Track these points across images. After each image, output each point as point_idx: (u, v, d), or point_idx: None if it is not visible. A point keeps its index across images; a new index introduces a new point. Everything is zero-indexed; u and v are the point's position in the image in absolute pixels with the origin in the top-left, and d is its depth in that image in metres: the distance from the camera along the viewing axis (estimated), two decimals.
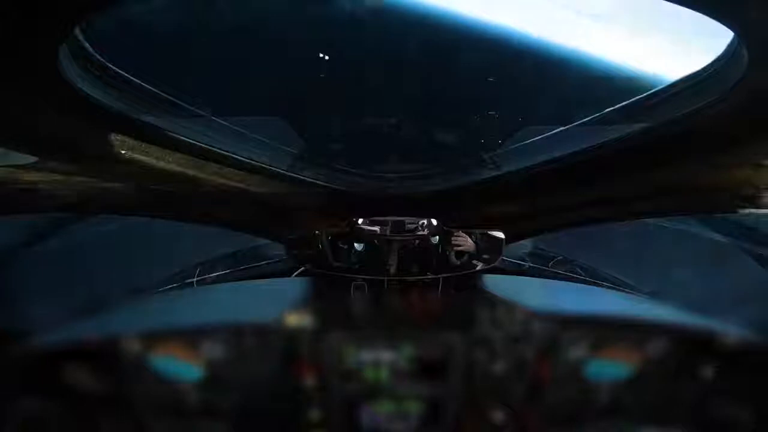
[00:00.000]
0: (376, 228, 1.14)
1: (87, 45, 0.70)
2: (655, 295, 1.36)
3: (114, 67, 0.76)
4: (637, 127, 0.81)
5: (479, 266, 1.18)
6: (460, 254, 1.18)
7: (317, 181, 1.06)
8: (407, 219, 1.14)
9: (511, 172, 1.01)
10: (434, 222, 1.14)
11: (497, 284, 1.31)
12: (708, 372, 1.10)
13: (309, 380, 1.11)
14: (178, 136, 0.86)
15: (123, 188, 1.03)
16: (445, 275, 1.20)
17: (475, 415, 1.16)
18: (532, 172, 0.97)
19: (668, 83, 0.79)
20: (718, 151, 0.82)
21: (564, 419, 1.16)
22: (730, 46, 0.68)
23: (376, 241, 1.16)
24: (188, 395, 1.10)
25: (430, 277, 1.22)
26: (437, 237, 1.15)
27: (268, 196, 1.08)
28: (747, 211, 1.09)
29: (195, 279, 1.50)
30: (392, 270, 1.18)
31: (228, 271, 1.55)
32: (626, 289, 1.47)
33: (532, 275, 1.50)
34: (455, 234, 1.16)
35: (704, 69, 0.73)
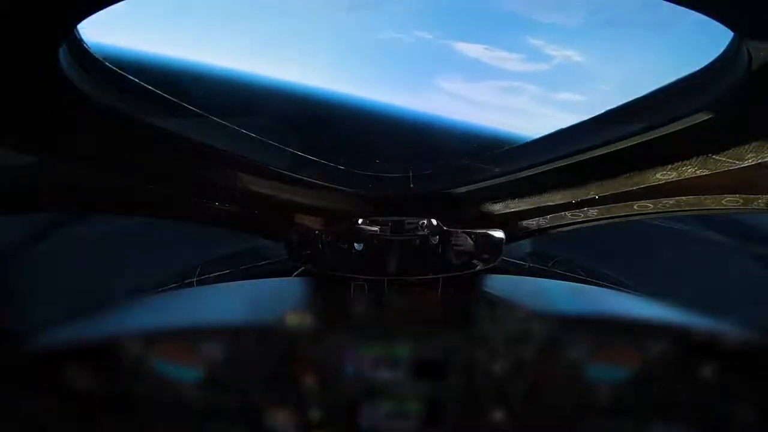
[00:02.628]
0: (376, 228, 1.14)
1: (87, 45, 0.70)
2: (655, 295, 1.36)
3: (114, 67, 0.76)
4: (637, 127, 0.81)
5: (479, 266, 1.18)
6: (460, 254, 1.18)
7: (318, 182, 1.06)
8: (407, 219, 1.14)
9: (511, 172, 1.01)
10: (434, 222, 1.14)
11: (497, 284, 1.31)
12: (708, 372, 1.10)
13: (309, 380, 1.11)
14: (178, 136, 0.86)
15: (123, 188, 1.03)
16: (445, 275, 1.20)
17: (475, 415, 1.16)
18: (532, 172, 0.98)
19: (668, 83, 0.79)
20: (718, 151, 0.82)
21: (564, 419, 1.16)
22: (730, 46, 0.68)
23: (376, 241, 1.15)
24: (188, 395, 1.10)
25: (430, 277, 1.22)
26: (437, 237, 1.15)
27: (268, 195, 1.07)
28: (747, 211, 1.09)
29: (195, 279, 1.50)
30: (392, 270, 1.18)
31: (228, 271, 1.55)
32: (626, 289, 1.47)
33: (532, 275, 1.50)
34: (455, 234, 1.16)
35: (704, 69, 0.73)
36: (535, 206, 1.13)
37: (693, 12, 0.57)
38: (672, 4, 0.57)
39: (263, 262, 1.58)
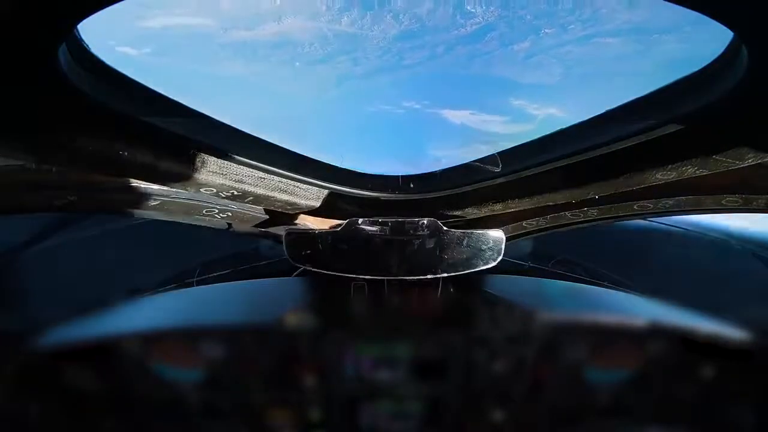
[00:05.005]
0: (376, 228, 1.15)
1: (87, 45, 0.70)
2: (655, 295, 1.36)
3: (114, 67, 0.76)
4: (637, 127, 0.81)
5: (479, 266, 1.18)
6: (460, 254, 1.18)
7: (318, 182, 1.06)
8: (407, 219, 1.14)
9: (511, 172, 1.01)
10: (434, 222, 1.14)
11: (497, 284, 1.31)
12: (708, 372, 1.10)
13: (309, 380, 1.11)
14: (178, 136, 0.86)
15: (123, 188, 1.03)
16: (445, 275, 1.20)
17: (475, 415, 1.16)
18: (532, 172, 0.98)
19: (668, 83, 0.79)
20: (718, 151, 0.82)
21: (564, 419, 1.16)
22: (730, 46, 0.68)
23: (376, 241, 1.16)
24: (188, 395, 1.10)
25: (430, 277, 1.22)
26: (437, 237, 1.16)
27: (268, 195, 1.08)
28: (747, 210, 1.09)
29: (195, 279, 1.50)
30: (392, 270, 1.18)
31: (228, 271, 1.55)
32: (626, 289, 1.47)
33: (532, 275, 1.50)
34: (455, 234, 1.16)
35: (704, 69, 0.73)
36: (535, 206, 1.13)
37: (693, 12, 0.57)
38: (671, 4, 0.57)
39: (263, 262, 1.58)
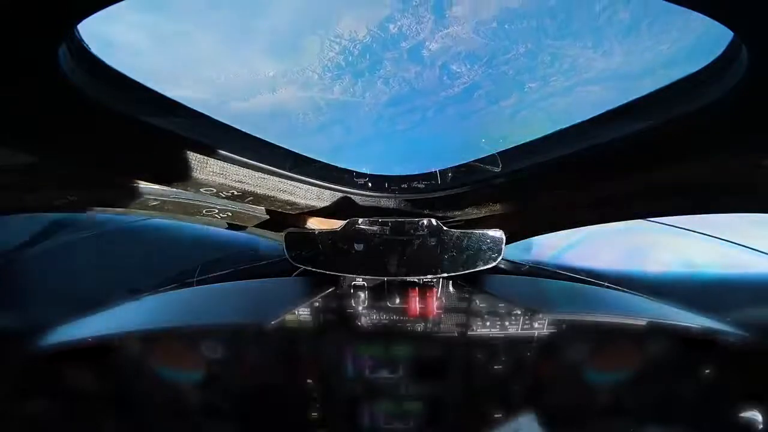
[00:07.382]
0: (376, 228, 1.15)
1: (87, 45, 0.70)
2: (655, 295, 1.36)
3: (114, 67, 0.76)
4: (637, 127, 0.81)
5: (479, 266, 1.19)
6: (459, 254, 1.18)
7: (318, 182, 1.06)
8: (407, 219, 1.14)
9: (511, 172, 1.01)
10: (434, 222, 1.14)
11: (497, 284, 1.31)
12: (708, 372, 1.10)
13: (309, 380, 1.11)
14: (178, 136, 0.86)
15: (123, 188, 1.04)
16: (445, 275, 1.20)
17: (475, 415, 1.16)
18: (532, 172, 0.98)
19: (668, 83, 0.79)
20: (718, 151, 0.82)
21: (564, 419, 1.16)
22: (730, 46, 0.68)
23: (375, 241, 1.16)
24: (188, 395, 1.10)
25: (430, 277, 1.22)
26: (437, 237, 1.16)
27: (268, 195, 1.08)
28: (747, 210, 1.09)
29: (195, 279, 1.51)
30: (392, 270, 1.18)
31: (228, 271, 1.55)
32: (626, 289, 1.47)
33: (532, 275, 1.50)
34: (455, 234, 1.16)
35: (704, 69, 0.73)
36: (535, 206, 1.13)
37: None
38: (672, 4, 0.57)
39: (263, 262, 1.58)
